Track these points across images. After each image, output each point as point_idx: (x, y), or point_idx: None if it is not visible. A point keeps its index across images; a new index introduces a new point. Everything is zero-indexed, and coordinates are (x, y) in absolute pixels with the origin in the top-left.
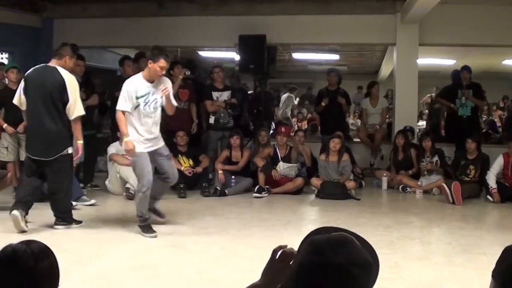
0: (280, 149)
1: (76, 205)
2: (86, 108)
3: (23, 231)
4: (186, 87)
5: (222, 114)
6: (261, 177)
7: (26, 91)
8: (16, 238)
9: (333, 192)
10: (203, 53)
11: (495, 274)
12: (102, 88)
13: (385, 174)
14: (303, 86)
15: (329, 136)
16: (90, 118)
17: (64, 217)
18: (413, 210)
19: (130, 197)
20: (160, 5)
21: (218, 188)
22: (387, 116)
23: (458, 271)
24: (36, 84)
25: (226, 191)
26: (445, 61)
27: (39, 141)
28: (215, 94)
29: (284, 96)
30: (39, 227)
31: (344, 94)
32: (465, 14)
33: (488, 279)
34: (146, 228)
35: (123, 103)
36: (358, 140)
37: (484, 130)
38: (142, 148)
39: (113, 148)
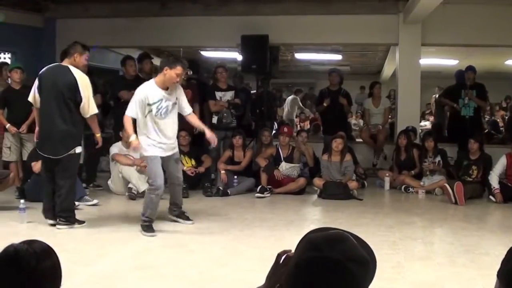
0: (283, 149)
1: (78, 205)
2: None
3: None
4: (189, 87)
5: (225, 114)
6: (264, 177)
7: (40, 89)
8: (18, 238)
9: (336, 192)
10: (206, 53)
11: (500, 274)
12: (105, 88)
13: (387, 174)
14: (305, 86)
15: (331, 136)
16: None
17: (66, 217)
18: (416, 210)
19: (133, 197)
20: (163, 5)
21: (221, 188)
22: (390, 116)
23: (461, 271)
24: (49, 83)
25: (228, 191)
26: (448, 61)
27: (50, 139)
28: (218, 94)
29: (289, 98)
30: (42, 227)
31: (346, 95)
32: (468, 14)
33: (490, 279)
34: (147, 227)
35: (131, 110)
36: (361, 140)
37: (487, 131)
38: (155, 151)
39: (115, 148)
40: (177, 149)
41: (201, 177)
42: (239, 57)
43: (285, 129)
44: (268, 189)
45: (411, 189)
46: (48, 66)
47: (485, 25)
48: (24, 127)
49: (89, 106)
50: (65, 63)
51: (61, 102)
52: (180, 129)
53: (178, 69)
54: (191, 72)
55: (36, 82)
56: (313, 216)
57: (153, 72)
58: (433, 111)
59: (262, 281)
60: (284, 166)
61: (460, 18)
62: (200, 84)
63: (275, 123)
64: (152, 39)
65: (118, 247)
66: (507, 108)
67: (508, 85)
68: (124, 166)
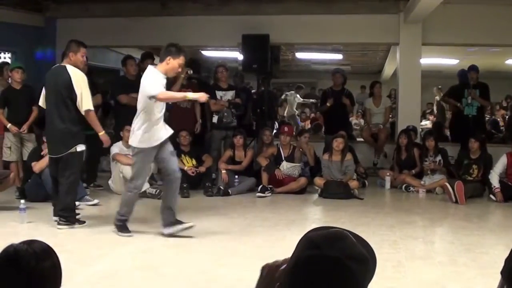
0: (284, 149)
1: (79, 205)
2: None
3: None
4: (189, 87)
5: (225, 114)
6: (265, 176)
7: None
8: (18, 239)
9: (336, 191)
10: (206, 53)
11: (504, 272)
12: (105, 88)
13: (388, 174)
14: (306, 85)
15: (332, 136)
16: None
17: (66, 216)
18: (416, 209)
19: None
20: (163, 5)
21: (221, 187)
22: (390, 116)
23: (461, 270)
24: (50, 84)
25: (229, 191)
26: (448, 61)
27: (51, 139)
28: (219, 94)
29: (288, 93)
30: (42, 227)
31: (349, 95)
32: (468, 14)
33: (491, 278)
34: (122, 227)
35: (160, 87)
36: (361, 139)
37: (487, 130)
38: (160, 136)
39: (116, 148)
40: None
41: (202, 177)
42: (240, 56)
43: (286, 129)
44: (269, 188)
45: (411, 189)
46: (51, 68)
47: (486, 25)
48: (24, 127)
49: (82, 101)
50: (64, 63)
51: (60, 101)
52: (181, 129)
53: (181, 59)
54: (192, 72)
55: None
56: (314, 216)
57: None
58: (435, 110)
59: None
60: (285, 166)
61: (461, 18)
62: (200, 84)
63: (276, 122)
64: (153, 38)
65: (119, 247)
66: (508, 107)
67: (509, 84)
68: (125, 166)
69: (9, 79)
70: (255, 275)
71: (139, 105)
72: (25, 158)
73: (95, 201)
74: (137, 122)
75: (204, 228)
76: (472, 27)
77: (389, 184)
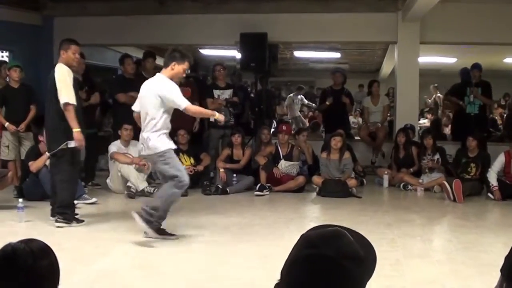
0: (282, 147)
1: (77, 204)
2: (88, 107)
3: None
4: (187, 85)
5: (222, 112)
6: (263, 175)
7: None
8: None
9: (335, 190)
10: (204, 51)
11: (504, 269)
12: (103, 87)
13: (386, 172)
14: (304, 84)
15: (331, 134)
16: (92, 117)
17: (63, 213)
18: (414, 208)
19: (131, 195)
20: (161, 3)
21: (220, 186)
22: (388, 114)
23: (459, 268)
24: (46, 83)
25: (227, 190)
26: (446, 59)
27: (45, 136)
28: (216, 92)
29: (291, 96)
30: (40, 226)
31: (348, 94)
32: (466, 12)
33: (489, 276)
34: (158, 230)
35: (185, 99)
36: (359, 138)
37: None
38: (172, 144)
39: (114, 147)
40: None
41: (200, 176)
42: (238, 55)
43: (284, 127)
44: (267, 187)
45: (409, 187)
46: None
47: (484, 23)
48: (22, 126)
49: (61, 94)
50: (58, 62)
51: (50, 100)
52: (179, 127)
53: (186, 65)
54: (189, 71)
55: None
56: (312, 214)
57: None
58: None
59: (261, 278)
60: (283, 164)
61: (459, 16)
62: (198, 82)
63: (274, 121)
64: (151, 37)
65: (117, 246)
66: (506, 105)
67: (507, 83)
68: (123, 165)
69: (7, 77)
70: (254, 274)
71: (153, 110)
72: (23, 157)
73: (93, 199)
74: (152, 128)
75: (202, 227)
76: (470, 26)
77: (387, 182)
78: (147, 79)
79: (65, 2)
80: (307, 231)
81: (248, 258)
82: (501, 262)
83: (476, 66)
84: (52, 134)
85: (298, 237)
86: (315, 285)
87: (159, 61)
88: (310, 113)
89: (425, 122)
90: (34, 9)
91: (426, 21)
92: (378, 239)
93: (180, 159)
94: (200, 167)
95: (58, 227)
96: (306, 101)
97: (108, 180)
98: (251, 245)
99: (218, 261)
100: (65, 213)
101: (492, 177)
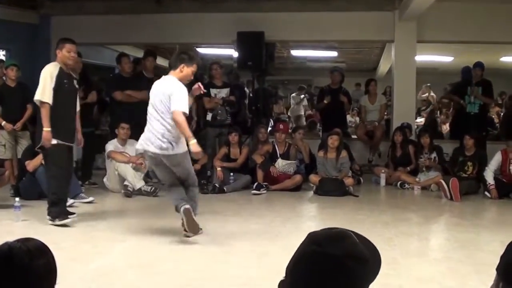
0: (279, 146)
1: (74, 203)
2: (85, 105)
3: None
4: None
5: (219, 111)
6: (260, 174)
7: None
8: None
9: (331, 188)
10: (201, 50)
11: (499, 268)
12: (100, 85)
13: (383, 171)
14: (302, 83)
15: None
16: (89, 115)
17: (49, 209)
18: (411, 206)
19: (128, 194)
20: (158, 2)
21: (217, 185)
22: (386, 113)
23: (456, 267)
24: None
25: (224, 188)
26: (443, 58)
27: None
28: (213, 91)
29: (293, 96)
30: (37, 225)
31: (346, 93)
32: (463, 11)
33: (486, 274)
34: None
35: (185, 104)
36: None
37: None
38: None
39: (111, 146)
40: None
41: (197, 174)
42: (235, 54)
43: (281, 126)
44: (264, 186)
45: (406, 186)
46: None
47: (481, 22)
48: (19, 125)
49: (39, 91)
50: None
51: None
52: None
53: (194, 67)
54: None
55: None
56: (309, 213)
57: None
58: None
59: (257, 277)
60: (280, 163)
61: (456, 15)
62: (194, 81)
63: (271, 120)
64: (148, 36)
65: (114, 245)
66: (502, 104)
67: (503, 81)
68: (120, 164)
69: (4, 76)
70: (250, 272)
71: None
72: (19, 156)
73: (90, 198)
74: (170, 129)
75: (199, 225)
76: (467, 25)
77: (384, 181)
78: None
79: (63, 1)
80: (314, 231)
81: (245, 257)
82: (497, 260)
83: (478, 65)
84: (38, 130)
85: (295, 236)
86: (319, 282)
87: (158, 60)
88: (307, 112)
89: (422, 120)
90: (31, 8)
91: (423, 20)
92: (375, 238)
93: None
94: (197, 166)
95: (51, 224)
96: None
97: (105, 179)
98: (248, 244)
99: (215, 260)
100: (50, 211)
101: (489, 175)
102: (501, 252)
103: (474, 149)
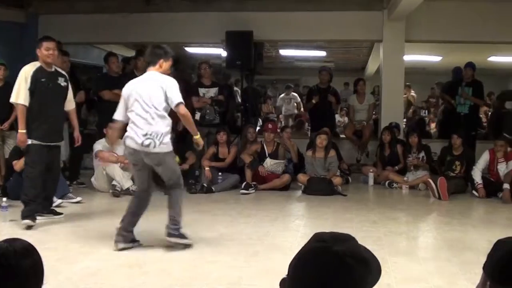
0: (268, 146)
1: (61, 203)
2: None
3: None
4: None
5: (208, 111)
6: (248, 173)
7: None
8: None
9: (320, 188)
10: (190, 49)
11: (486, 267)
12: (88, 85)
13: (371, 170)
14: (290, 82)
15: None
16: (77, 115)
17: (23, 210)
18: (399, 205)
19: (116, 194)
20: (147, 1)
21: (205, 185)
22: (374, 113)
23: (444, 265)
24: None
25: (213, 188)
26: (431, 58)
27: None
28: (201, 91)
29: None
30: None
31: (334, 93)
32: (451, 11)
33: (473, 273)
34: (182, 235)
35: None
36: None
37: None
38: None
39: (99, 145)
40: None
41: (185, 174)
42: (223, 53)
43: (270, 126)
44: (252, 185)
45: (395, 185)
46: None
47: (469, 22)
48: (6, 125)
49: (13, 92)
50: None
51: None
52: None
53: (171, 61)
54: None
55: None
56: (297, 212)
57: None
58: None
59: (247, 277)
60: (268, 163)
61: (444, 15)
62: (183, 81)
63: (260, 119)
64: (137, 35)
65: (103, 245)
66: (490, 104)
67: (491, 81)
68: (108, 163)
69: None
70: (240, 272)
71: (164, 104)
72: (7, 156)
73: (78, 198)
74: (161, 125)
75: (187, 226)
76: (455, 24)
77: (372, 180)
78: (136, 77)
79: (50, 0)
80: (321, 231)
81: (234, 256)
82: (484, 259)
83: (469, 65)
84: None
85: (284, 235)
86: (320, 277)
87: None
88: (296, 111)
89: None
90: (18, 7)
91: (412, 20)
92: (364, 237)
93: None
94: (186, 166)
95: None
96: (298, 99)
97: (93, 179)
98: (237, 243)
99: (204, 260)
100: (22, 210)
101: (477, 174)
102: (488, 251)
103: (462, 148)
